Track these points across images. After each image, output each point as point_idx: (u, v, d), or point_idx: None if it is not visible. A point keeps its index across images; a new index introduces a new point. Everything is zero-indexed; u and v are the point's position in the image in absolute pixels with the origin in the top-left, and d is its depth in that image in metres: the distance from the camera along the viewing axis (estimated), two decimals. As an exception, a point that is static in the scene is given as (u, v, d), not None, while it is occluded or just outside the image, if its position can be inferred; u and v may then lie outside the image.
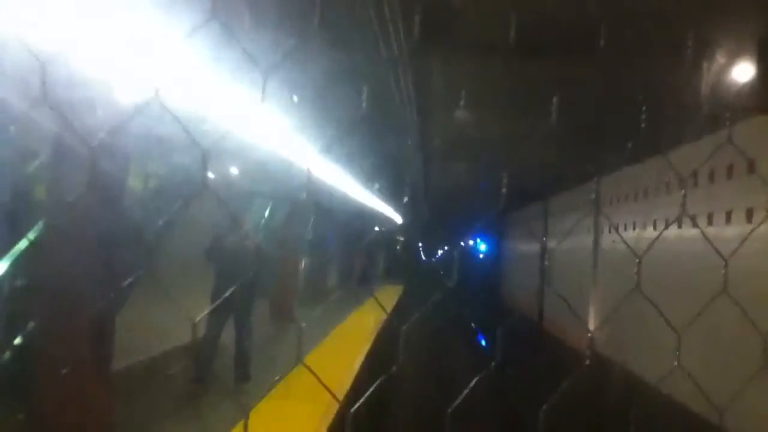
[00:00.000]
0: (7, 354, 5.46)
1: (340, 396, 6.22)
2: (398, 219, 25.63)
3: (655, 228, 10.65)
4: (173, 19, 2.23)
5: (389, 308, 13.56)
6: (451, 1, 5.64)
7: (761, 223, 6.88)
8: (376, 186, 12.44)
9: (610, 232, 13.56)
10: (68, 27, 2.13)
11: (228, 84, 3.47)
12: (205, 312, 1.23)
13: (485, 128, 9.52)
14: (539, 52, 5.77)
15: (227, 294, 4.51)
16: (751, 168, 7.72)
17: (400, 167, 11.48)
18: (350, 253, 19.63)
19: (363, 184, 10.98)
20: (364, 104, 1.10)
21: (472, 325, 24.46)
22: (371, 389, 1.10)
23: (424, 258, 40.11)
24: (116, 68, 2.52)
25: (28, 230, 4.62)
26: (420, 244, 39.50)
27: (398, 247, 32.23)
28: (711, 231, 8.81)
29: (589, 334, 7.13)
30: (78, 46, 2.25)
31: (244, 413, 1.20)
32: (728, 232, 8.29)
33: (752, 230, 7.19)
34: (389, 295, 16.79)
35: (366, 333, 10.04)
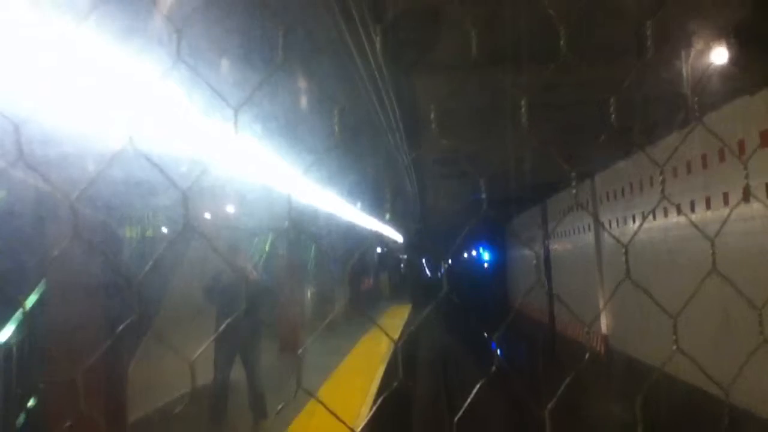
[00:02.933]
0: (21, 416, 5.44)
1: (360, 421, 6.19)
2: (399, 238, 25.65)
3: (654, 218, 10.67)
4: (141, 66, 2.25)
5: (399, 327, 13.51)
6: (427, 18, 5.71)
7: (736, 205, 6.87)
8: (358, 205, 12.48)
9: (606, 229, 13.58)
10: (37, 85, 2.16)
11: (202, 123, 3.50)
12: (201, 350, 1.24)
13: (473, 139, 9.57)
14: (518, 59, 5.83)
15: (222, 327, 4.46)
16: (742, 149, 7.76)
17: (386, 184, 11.52)
18: (355, 277, 19.60)
19: (348, 203, 11.01)
20: (336, 128, 1.12)
21: (485, 334, 24.33)
22: (375, 406, 1.10)
23: (429, 274, 40.06)
24: (89, 121, 2.54)
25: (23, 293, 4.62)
26: (423, 261, 39.47)
27: (402, 266, 32.21)
28: (709, 215, 8.83)
29: (586, 329, 7.10)
30: (48, 103, 2.28)
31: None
32: (725, 215, 8.31)
33: (731, 210, 7.18)
34: (398, 315, 16.73)
35: (380, 356, 9.99)
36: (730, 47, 6.47)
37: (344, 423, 1.12)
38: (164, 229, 7.36)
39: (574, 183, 1.34)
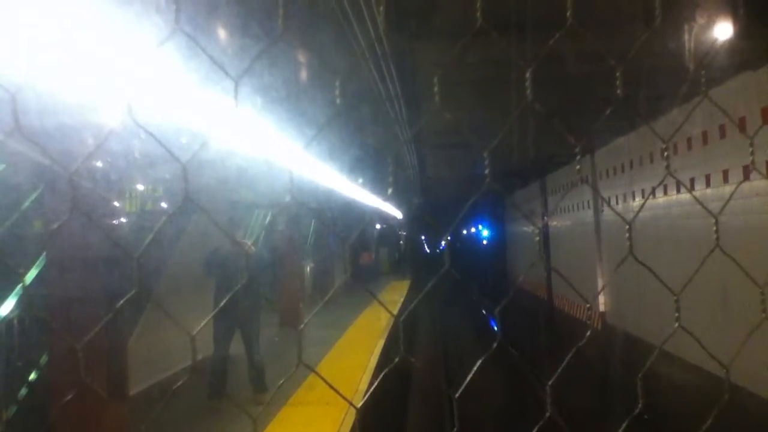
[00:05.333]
0: (23, 389, 5.48)
1: (359, 394, 6.24)
2: (399, 214, 25.67)
3: (654, 196, 10.66)
4: (139, 35, 2.21)
5: (399, 303, 13.57)
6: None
7: (741, 182, 6.83)
8: (359, 180, 12.46)
9: (609, 204, 13.58)
10: (33, 54, 2.12)
11: (201, 94, 3.45)
12: (202, 324, 1.23)
13: (474, 114, 9.51)
14: (522, 30, 5.77)
15: (224, 303, 4.49)
16: (743, 126, 7.72)
17: (387, 158, 11.45)
18: (355, 253, 19.66)
19: (348, 178, 11.00)
20: (338, 100, 1.10)
21: (483, 311, 24.51)
22: (376, 382, 1.10)
23: (428, 250, 40.18)
24: (87, 91, 2.51)
25: (23, 266, 4.62)
26: (423, 237, 39.57)
27: (401, 242, 32.27)
28: (708, 192, 8.82)
29: (588, 305, 7.14)
30: (45, 73, 2.24)
31: (255, 425, 1.20)
32: (727, 190, 8.30)
33: (736, 188, 7.15)
34: (398, 290, 16.80)
35: (379, 330, 10.05)
36: (734, 21, 6.39)
37: (344, 397, 1.12)
38: (163, 204, 7.35)
39: (578, 157, 1.32)
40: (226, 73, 1.04)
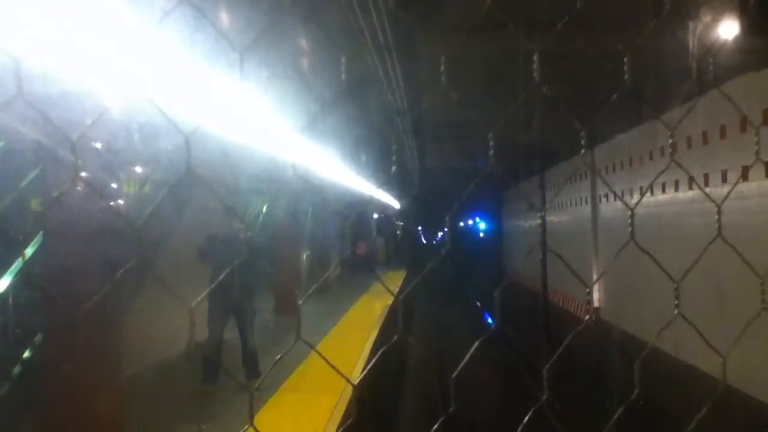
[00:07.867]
0: (17, 366, 5.48)
1: (354, 379, 6.25)
2: (396, 205, 25.67)
3: (652, 193, 10.66)
4: (145, 5, 2.20)
5: (394, 291, 13.57)
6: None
7: (737, 181, 6.82)
8: (363, 158, 12.43)
9: (607, 200, 13.61)
10: (39, 22, 2.10)
11: (205, 67, 3.41)
12: (203, 296, 1.23)
13: (476, 105, 9.49)
14: (528, 23, 5.76)
15: (219, 282, 4.49)
16: (743, 126, 7.71)
17: (388, 140, 11.43)
18: (351, 242, 19.67)
19: (349, 157, 10.98)
20: (343, 76, 1.09)
21: (477, 303, 24.55)
22: (373, 361, 1.10)
23: (424, 242, 40.22)
24: (92, 60, 2.49)
25: (22, 238, 4.60)
26: (420, 228, 39.61)
27: (398, 233, 32.27)
28: (708, 191, 8.82)
29: (587, 289, 7.16)
30: (51, 41, 2.22)
31: (252, 399, 1.20)
32: (725, 191, 8.31)
33: (735, 185, 7.14)
34: (392, 281, 16.83)
35: (373, 319, 10.07)
36: (739, 22, 6.39)
37: (341, 374, 1.12)
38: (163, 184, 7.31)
39: (582, 141, 1.33)
40: (232, 46, 1.03)
